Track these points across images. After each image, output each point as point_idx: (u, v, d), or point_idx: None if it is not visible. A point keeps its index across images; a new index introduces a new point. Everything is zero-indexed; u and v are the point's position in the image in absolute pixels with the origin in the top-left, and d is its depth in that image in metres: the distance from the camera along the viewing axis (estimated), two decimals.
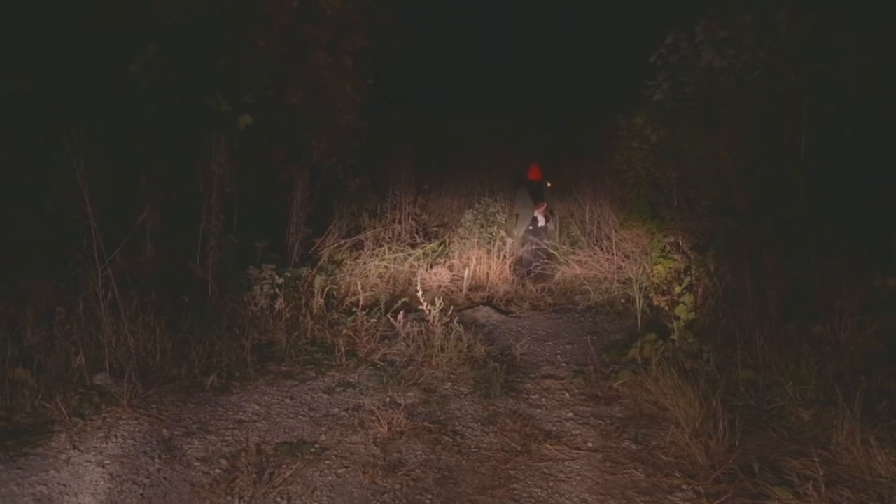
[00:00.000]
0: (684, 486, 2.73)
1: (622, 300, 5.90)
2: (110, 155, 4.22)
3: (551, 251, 7.06)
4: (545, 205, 7.16)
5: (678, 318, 4.47)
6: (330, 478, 2.82)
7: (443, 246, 7.44)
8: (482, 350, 4.47)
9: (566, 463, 2.99)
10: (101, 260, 3.68)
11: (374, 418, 3.31)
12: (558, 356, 4.65)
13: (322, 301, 5.08)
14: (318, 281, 5.22)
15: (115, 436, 3.07)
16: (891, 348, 3.71)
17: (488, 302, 6.13)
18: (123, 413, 3.27)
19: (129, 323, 3.74)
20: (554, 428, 3.38)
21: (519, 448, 3.12)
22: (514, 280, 6.86)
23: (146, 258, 4.37)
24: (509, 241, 7.45)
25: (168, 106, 4.53)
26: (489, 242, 7.34)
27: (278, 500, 2.63)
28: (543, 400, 3.78)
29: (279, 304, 4.73)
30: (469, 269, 6.67)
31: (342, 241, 6.74)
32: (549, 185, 7.41)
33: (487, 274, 6.90)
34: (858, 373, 3.48)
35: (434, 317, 4.54)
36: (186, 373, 3.80)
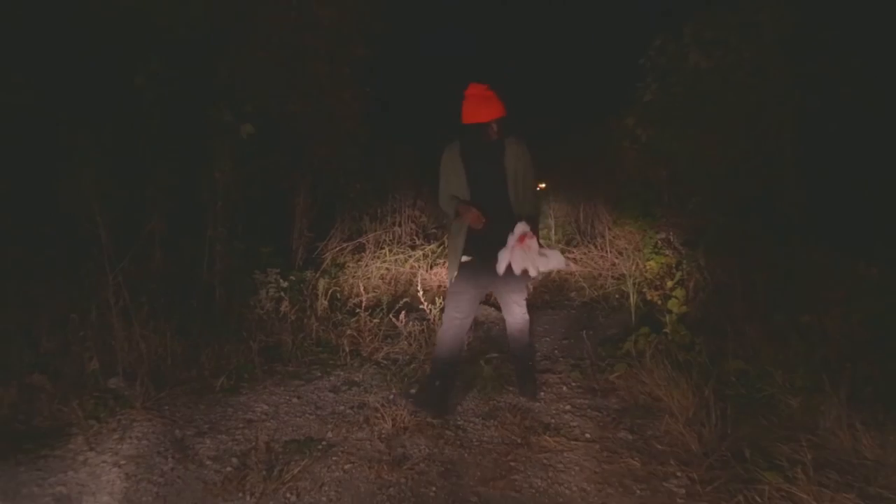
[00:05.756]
0: (679, 473, 2.75)
1: (616, 296, 5.88)
2: (117, 165, 4.24)
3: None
4: (480, 215, 3.17)
5: (671, 312, 4.47)
6: (337, 473, 2.84)
7: (442, 247, 7.43)
8: (482, 347, 4.47)
9: (565, 454, 3.01)
10: (112, 268, 3.70)
11: (379, 415, 3.32)
12: (556, 351, 4.64)
13: (326, 303, 5.08)
14: (322, 283, 5.23)
15: (130, 437, 3.09)
16: (875, 336, 3.73)
17: (486, 300, 6.07)
18: (137, 415, 3.29)
19: (141, 328, 3.76)
20: (553, 420, 3.39)
21: (519, 441, 3.13)
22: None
23: (155, 265, 4.38)
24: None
25: (172, 116, 4.55)
26: None
27: (287, 495, 2.65)
28: (542, 393, 3.78)
29: (284, 306, 4.73)
30: None
31: (344, 245, 6.72)
32: (541, 186, 6.95)
33: None
34: (844, 360, 3.50)
35: (434, 316, 4.56)
36: (197, 375, 3.82)
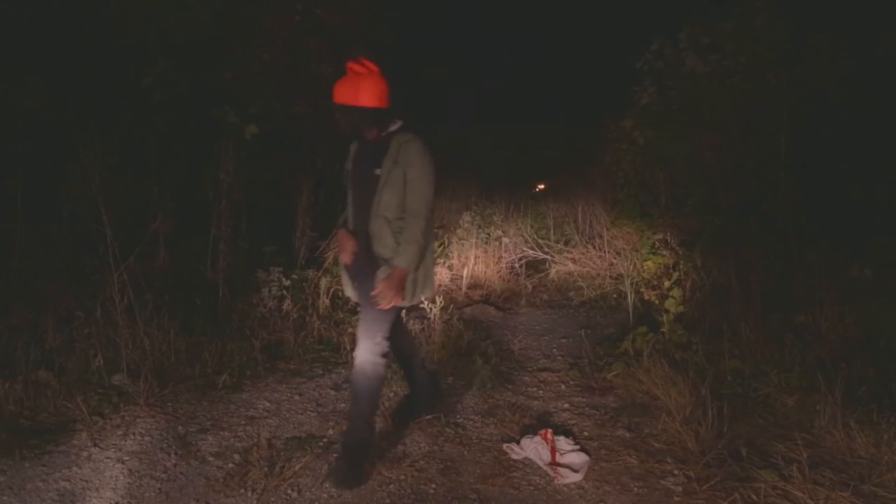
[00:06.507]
0: (676, 472, 2.74)
1: (614, 295, 5.87)
2: (124, 165, 4.23)
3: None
4: (350, 255, 2.77)
5: (668, 312, 4.46)
6: None
7: (442, 246, 7.41)
8: (481, 346, 4.45)
9: None
10: (117, 266, 3.68)
11: (379, 412, 3.29)
12: (554, 350, 4.63)
13: (328, 301, 5.05)
14: (324, 282, 5.19)
15: (134, 433, 3.08)
16: (869, 337, 3.72)
17: (487, 299, 6.11)
18: (141, 411, 3.27)
19: (145, 325, 3.75)
20: (551, 418, 3.37)
21: (518, 438, 3.10)
22: None
23: (160, 264, 4.38)
24: (505, 240, 7.23)
25: (178, 117, 4.54)
26: (486, 242, 7.33)
27: (289, 492, 2.64)
28: (540, 392, 3.77)
29: (287, 305, 4.72)
30: (468, 269, 6.64)
31: None
32: (540, 187, 7.02)
33: (485, 273, 6.86)
34: (839, 360, 3.51)
35: (435, 315, 4.53)
36: (200, 372, 3.81)
